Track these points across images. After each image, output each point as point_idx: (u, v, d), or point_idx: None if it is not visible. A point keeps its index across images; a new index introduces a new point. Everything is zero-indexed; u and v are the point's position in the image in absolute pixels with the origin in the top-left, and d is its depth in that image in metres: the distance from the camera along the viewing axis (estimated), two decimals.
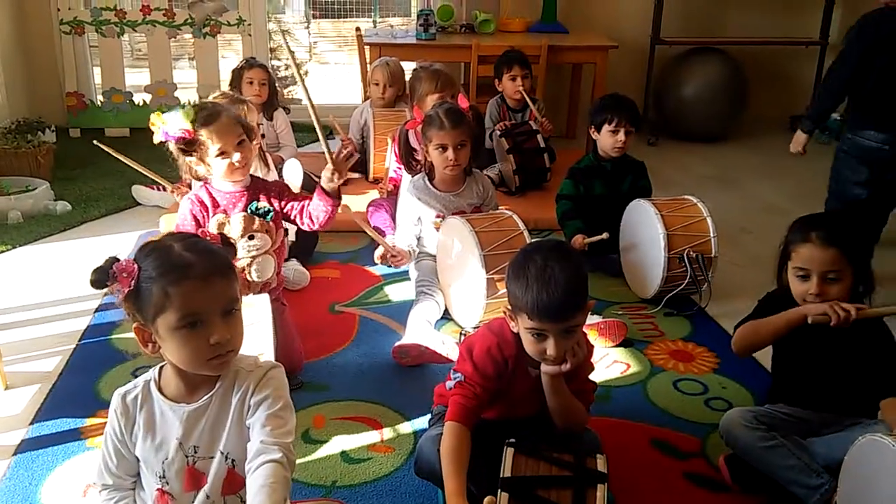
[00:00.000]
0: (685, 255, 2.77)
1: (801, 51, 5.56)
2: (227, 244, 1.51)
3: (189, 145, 2.25)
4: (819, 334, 1.86)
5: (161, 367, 1.45)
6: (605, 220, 3.03)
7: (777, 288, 2.01)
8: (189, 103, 2.31)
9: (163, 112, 2.29)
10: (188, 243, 1.38)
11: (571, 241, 2.99)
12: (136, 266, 1.35)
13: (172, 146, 2.26)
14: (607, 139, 3.12)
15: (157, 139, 2.26)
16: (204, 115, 2.26)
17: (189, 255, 1.35)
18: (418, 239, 2.92)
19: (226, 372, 1.41)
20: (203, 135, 2.24)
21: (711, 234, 2.82)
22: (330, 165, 2.25)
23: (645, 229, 2.89)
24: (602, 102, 3.23)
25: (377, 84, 4.23)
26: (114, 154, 2.84)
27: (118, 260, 1.37)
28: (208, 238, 1.50)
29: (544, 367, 1.72)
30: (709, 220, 2.84)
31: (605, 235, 2.92)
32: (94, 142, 2.93)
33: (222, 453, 1.41)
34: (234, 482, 1.42)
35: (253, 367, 1.45)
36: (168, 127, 2.23)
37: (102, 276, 1.37)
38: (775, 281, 2.01)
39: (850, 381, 1.91)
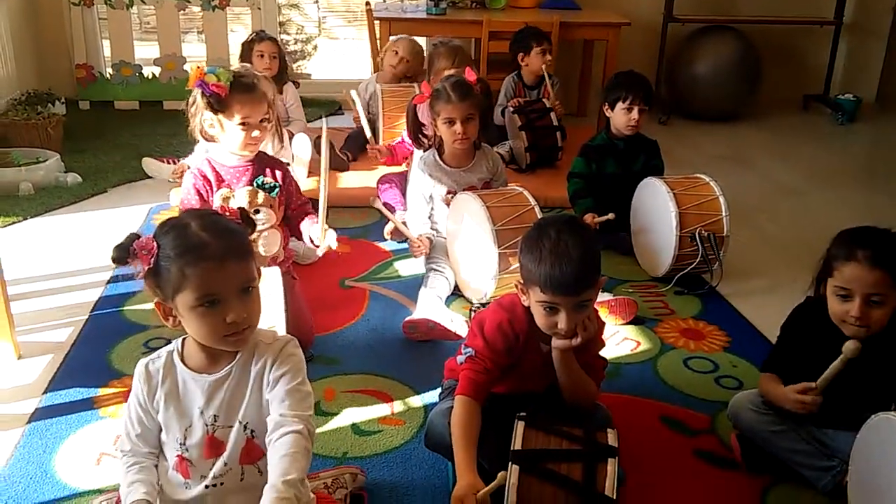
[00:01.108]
0: (697, 233, 2.76)
1: (816, 30, 5.50)
2: (248, 220, 1.51)
3: (219, 104, 2.25)
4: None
5: (184, 339, 1.47)
6: (617, 198, 3.02)
7: (811, 297, 1.88)
8: (227, 68, 2.31)
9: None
10: (206, 222, 1.39)
11: (585, 218, 2.98)
12: (155, 244, 1.37)
13: (201, 99, 2.25)
14: (621, 117, 3.10)
15: (191, 85, 2.26)
16: (242, 83, 2.27)
17: (206, 235, 1.36)
18: (430, 217, 2.91)
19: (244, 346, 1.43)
20: (235, 100, 2.24)
21: (724, 213, 2.80)
22: (323, 240, 2.28)
23: (657, 207, 2.87)
24: (616, 79, 3.20)
25: (396, 52, 4.21)
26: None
27: (138, 237, 1.38)
28: (228, 214, 1.49)
29: (555, 342, 1.72)
30: (721, 199, 2.82)
31: (611, 216, 2.91)
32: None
33: (241, 423, 1.43)
34: (252, 452, 1.44)
35: (271, 339, 1.47)
36: (207, 78, 2.23)
37: (123, 254, 1.38)
38: (811, 290, 1.88)
39: (872, 394, 1.79)
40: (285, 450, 1.34)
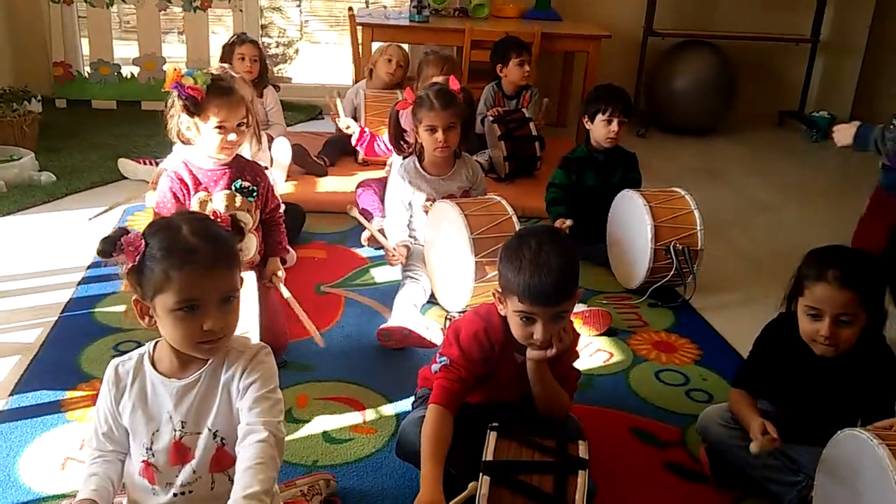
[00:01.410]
0: (671, 246, 2.78)
1: (792, 47, 5.59)
2: (237, 228, 1.50)
3: (195, 107, 2.23)
4: (821, 366, 1.80)
5: (156, 342, 1.46)
6: (595, 210, 3.04)
7: (782, 314, 1.90)
8: (206, 70, 2.29)
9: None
10: (197, 226, 1.38)
11: (554, 223, 3.01)
12: (143, 241, 1.35)
13: (178, 101, 2.24)
14: (600, 129, 3.12)
15: (167, 87, 2.24)
16: (219, 86, 2.25)
17: (195, 240, 1.35)
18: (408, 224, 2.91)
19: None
20: (211, 103, 2.23)
21: (698, 227, 2.83)
22: (267, 281, 2.39)
23: (633, 220, 2.89)
24: (596, 92, 3.23)
25: (390, 60, 4.21)
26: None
27: (127, 232, 1.37)
28: (219, 220, 1.48)
29: (530, 353, 1.72)
30: (696, 212, 2.85)
31: (569, 222, 2.95)
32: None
33: (210, 430, 1.41)
34: (222, 460, 1.42)
35: (244, 347, 1.46)
36: (183, 80, 2.21)
37: (109, 247, 1.36)
38: (783, 306, 1.89)
39: (840, 411, 1.82)
40: (250, 462, 1.33)
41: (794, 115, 5.69)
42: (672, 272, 2.79)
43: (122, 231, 1.37)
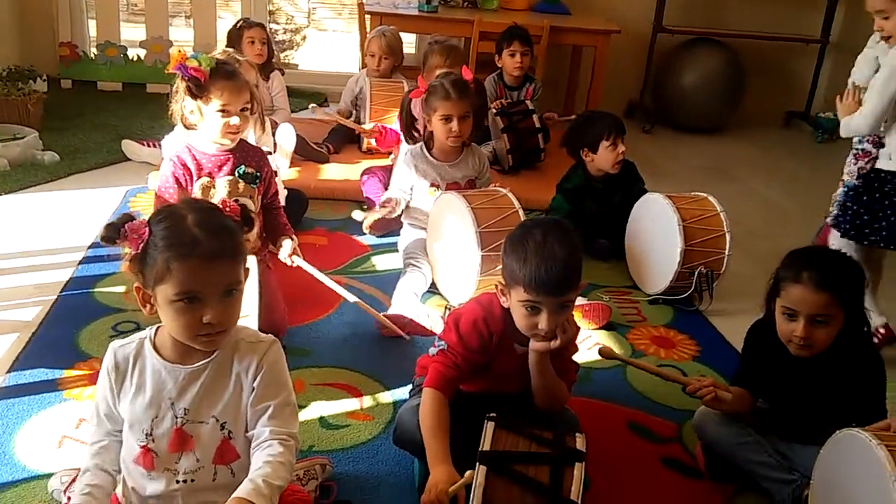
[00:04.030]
0: (696, 271, 2.74)
1: (801, 47, 5.56)
2: (247, 218, 1.48)
3: (198, 88, 2.22)
4: (801, 366, 1.82)
5: (158, 327, 1.44)
6: (598, 231, 3.04)
7: (765, 315, 1.91)
8: (210, 54, 2.28)
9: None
10: (202, 216, 1.36)
11: None
12: (147, 229, 1.34)
13: (181, 84, 2.22)
14: (608, 156, 3.07)
15: (171, 69, 2.22)
16: (223, 69, 2.24)
17: (199, 231, 1.33)
18: (408, 207, 2.91)
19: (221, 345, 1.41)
20: (215, 86, 2.22)
21: (727, 252, 2.78)
22: (289, 257, 2.39)
23: (661, 231, 2.82)
24: (588, 122, 3.19)
25: (373, 56, 4.18)
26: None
27: (133, 218, 1.35)
28: (228, 209, 1.46)
29: (533, 344, 1.71)
30: (727, 236, 2.79)
31: None
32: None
33: (217, 420, 1.40)
34: (227, 453, 1.42)
35: (253, 339, 1.45)
36: (187, 62, 2.20)
37: (113, 233, 1.35)
38: (763, 308, 1.90)
39: (827, 410, 1.81)
40: (272, 458, 1.35)
41: (800, 116, 5.67)
42: (689, 292, 2.77)
43: (127, 217, 1.36)
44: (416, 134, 3.00)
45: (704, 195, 2.94)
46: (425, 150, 2.89)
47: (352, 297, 2.38)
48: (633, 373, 2.36)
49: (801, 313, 1.75)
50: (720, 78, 5.16)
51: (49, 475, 1.73)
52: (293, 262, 2.40)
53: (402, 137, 3.16)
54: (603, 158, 3.09)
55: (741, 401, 1.89)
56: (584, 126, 3.19)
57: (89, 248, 2.83)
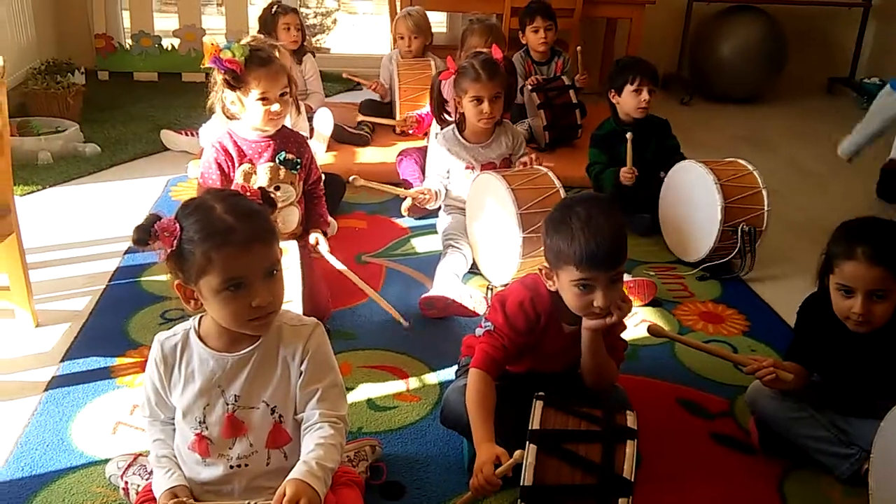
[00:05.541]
0: (739, 228, 2.71)
1: (843, 12, 5.41)
2: (268, 200, 1.49)
3: (235, 80, 2.22)
4: (859, 340, 1.76)
5: (201, 317, 1.45)
6: (631, 185, 2.98)
7: (817, 291, 1.85)
8: (242, 42, 2.27)
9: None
10: (230, 204, 1.36)
11: (620, 178, 2.96)
12: (177, 226, 1.34)
13: (218, 76, 2.23)
14: (630, 100, 3.05)
15: (206, 63, 2.22)
16: (258, 56, 2.23)
17: (230, 218, 1.33)
18: (447, 190, 2.89)
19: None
20: (251, 75, 2.21)
21: (765, 208, 2.74)
22: (325, 253, 2.40)
23: (698, 195, 2.79)
24: (621, 64, 3.18)
25: (402, 37, 4.15)
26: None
27: (159, 218, 1.35)
28: (248, 194, 1.47)
29: (588, 322, 1.69)
30: (764, 192, 2.76)
31: (634, 171, 2.93)
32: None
33: (267, 405, 1.42)
34: (279, 437, 1.44)
35: (296, 322, 1.46)
36: (221, 54, 2.19)
37: (144, 235, 1.34)
38: (815, 283, 1.84)
39: (885, 383, 1.77)
40: (324, 440, 1.37)
41: (844, 82, 5.52)
42: (735, 252, 2.73)
43: (155, 217, 1.35)
44: (447, 116, 2.97)
45: (734, 158, 2.90)
46: (457, 133, 2.87)
47: (370, 291, 2.38)
48: (681, 349, 2.33)
49: (858, 290, 1.69)
50: (759, 46, 5.04)
51: (105, 461, 1.76)
52: (317, 255, 2.41)
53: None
54: (626, 102, 3.07)
55: (798, 378, 1.85)
56: (617, 67, 3.18)
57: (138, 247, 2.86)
